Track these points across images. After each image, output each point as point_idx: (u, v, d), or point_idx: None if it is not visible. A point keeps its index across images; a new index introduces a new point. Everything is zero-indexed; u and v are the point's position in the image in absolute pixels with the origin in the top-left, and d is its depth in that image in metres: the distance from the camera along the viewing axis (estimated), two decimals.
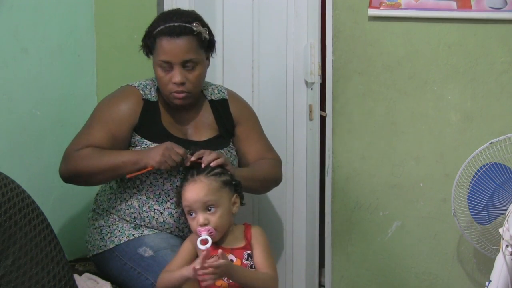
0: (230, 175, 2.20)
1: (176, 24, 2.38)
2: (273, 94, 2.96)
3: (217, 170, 2.17)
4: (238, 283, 2.07)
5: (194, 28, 2.39)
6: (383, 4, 2.71)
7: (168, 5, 2.87)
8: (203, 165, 2.20)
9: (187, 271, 2.03)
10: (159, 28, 2.39)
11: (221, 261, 1.98)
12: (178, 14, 2.44)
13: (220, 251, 2.00)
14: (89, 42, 2.91)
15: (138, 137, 2.43)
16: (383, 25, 2.75)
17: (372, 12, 2.73)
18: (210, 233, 2.07)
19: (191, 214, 2.12)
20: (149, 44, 2.43)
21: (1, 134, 2.50)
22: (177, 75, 2.38)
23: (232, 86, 2.82)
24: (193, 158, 2.24)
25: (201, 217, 2.09)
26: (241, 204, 2.22)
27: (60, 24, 2.75)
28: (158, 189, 2.40)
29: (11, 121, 2.54)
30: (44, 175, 2.66)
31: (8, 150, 2.53)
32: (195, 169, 2.18)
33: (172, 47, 2.37)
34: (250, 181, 2.41)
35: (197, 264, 1.98)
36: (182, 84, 2.39)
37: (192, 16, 2.44)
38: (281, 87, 2.94)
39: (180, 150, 2.29)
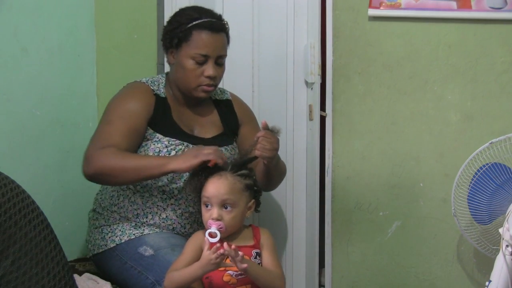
0: (254, 180, 2.21)
1: (214, 20, 2.44)
2: (273, 94, 2.95)
3: (243, 172, 2.18)
4: (249, 276, 2.08)
5: (227, 26, 2.48)
6: (383, 4, 2.71)
7: (168, 5, 2.87)
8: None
9: (197, 265, 2.06)
10: (197, 22, 2.41)
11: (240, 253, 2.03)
12: (208, 11, 2.48)
13: (234, 246, 2.02)
14: (89, 42, 2.91)
15: (150, 131, 2.43)
16: (383, 25, 2.75)
17: (372, 12, 2.73)
18: (220, 228, 2.08)
19: (206, 205, 2.14)
20: (180, 35, 2.43)
21: (1, 134, 2.50)
22: (211, 69, 2.43)
23: (232, 86, 2.82)
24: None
25: (215, 212, 2.11)
26: (256, 210, 2.23)
27: (60, 24, 2.75)
28: (162, 187, 2.41)
29: (11, 121, 2.54)
30: (44, 175, 2.66)
31: (8, 150, 2.53)
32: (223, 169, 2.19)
33: (212, 41, 2.42)
34: (280, 172, 2.54)
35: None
36: (215, 77, 2.44)
37: (219, 15, 2.50)
38: (281, 87, 2.94)
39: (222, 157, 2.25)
